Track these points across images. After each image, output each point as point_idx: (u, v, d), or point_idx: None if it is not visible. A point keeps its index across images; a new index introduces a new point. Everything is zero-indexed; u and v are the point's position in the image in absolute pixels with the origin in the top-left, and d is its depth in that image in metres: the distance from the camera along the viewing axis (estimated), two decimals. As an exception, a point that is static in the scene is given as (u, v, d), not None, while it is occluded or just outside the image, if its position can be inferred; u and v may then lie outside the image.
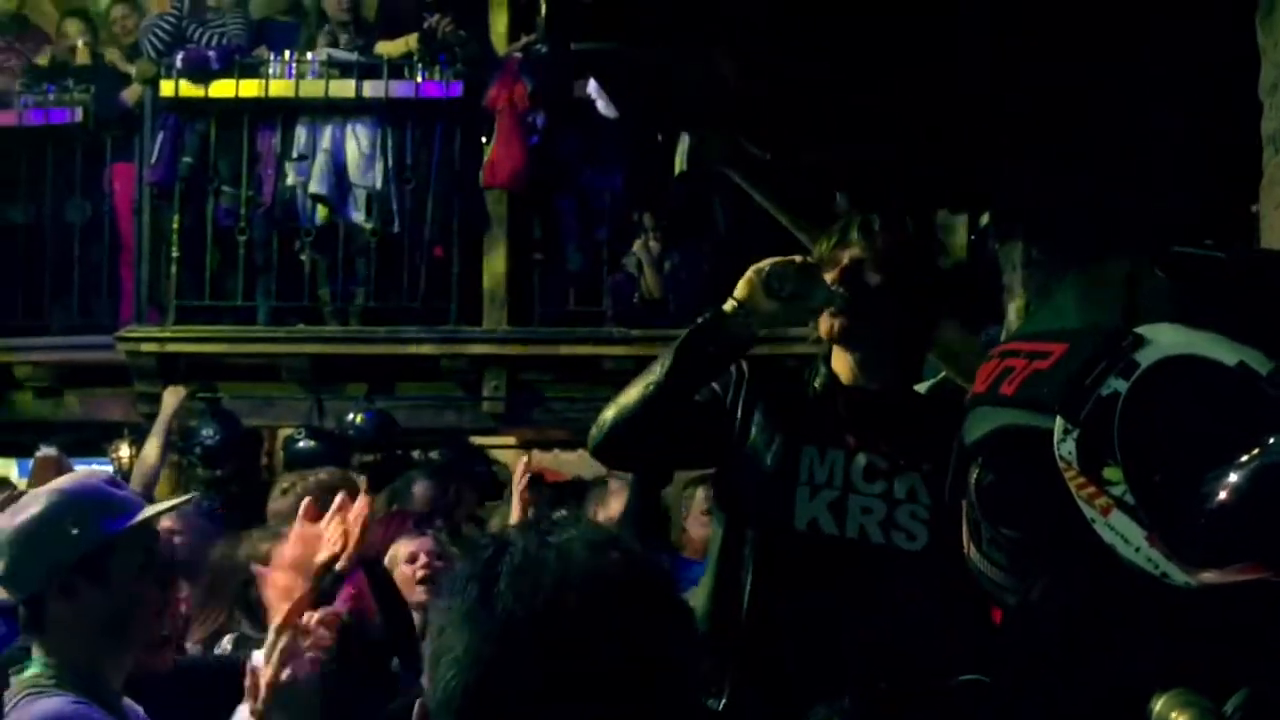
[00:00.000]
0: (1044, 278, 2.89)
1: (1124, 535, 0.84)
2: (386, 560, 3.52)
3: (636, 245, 6.75)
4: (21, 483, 6.17)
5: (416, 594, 3.47)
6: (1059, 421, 0.88)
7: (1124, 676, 0.83)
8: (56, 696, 1.96)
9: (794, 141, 3.35)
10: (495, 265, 6.83)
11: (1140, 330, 0.88)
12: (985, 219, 4.52)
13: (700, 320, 2.35)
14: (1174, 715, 0.79)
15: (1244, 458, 0.82)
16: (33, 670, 2.01)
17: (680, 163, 6.54)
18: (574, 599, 0.84)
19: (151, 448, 5.71)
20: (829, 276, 2.40)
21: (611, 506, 4.52)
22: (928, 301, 2.46)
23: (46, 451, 5.21)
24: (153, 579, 2.14)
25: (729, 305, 2.34)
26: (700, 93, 3.17)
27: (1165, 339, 0.88)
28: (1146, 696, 0.80)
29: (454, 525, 4.74)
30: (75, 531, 2.03)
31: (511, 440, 8.03)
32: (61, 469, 4.72)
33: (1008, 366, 0.93)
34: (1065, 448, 0.87)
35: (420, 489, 4.93)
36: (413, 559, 3.54)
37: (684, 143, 6.59)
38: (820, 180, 3.94)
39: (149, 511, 2.11)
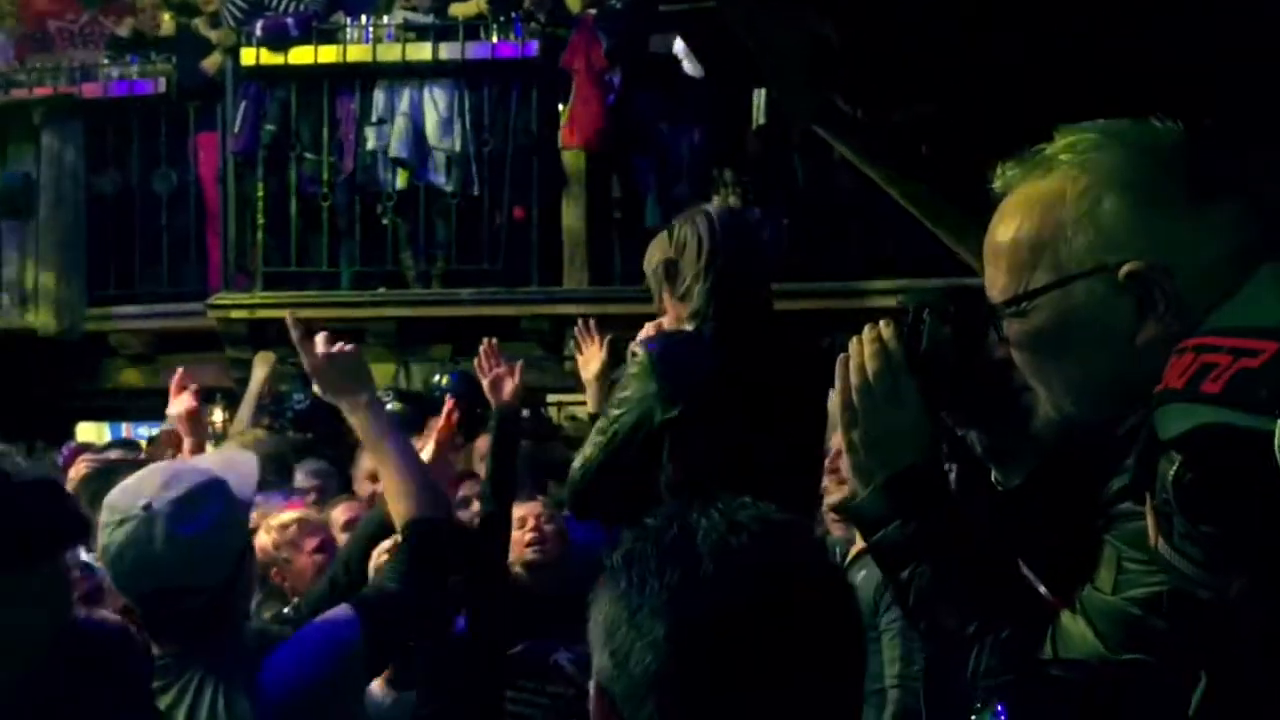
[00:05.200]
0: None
1: None
2: None
3: (715, 201, 6.71)
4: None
5: (525, 555, 3.56)
6: (1279, 425, 0.86)
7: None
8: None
9: (888, 98, 3.30)
10: (574, 225, 6.84)
11: None
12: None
13: None
14: None
15: None
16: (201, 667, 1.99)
17: (758, 116, 6.50)
18: (779, 587, 0.89)
19: (244, 413, 5.84)
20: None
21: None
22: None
23: (171, 427, 5.32)
24: None
25: None
26: (793, 51, 3.13)
27: None
28: None
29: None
30: (242, 513, 2.12)
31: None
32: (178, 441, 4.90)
33: (1207, 362, 0.91)
34: None
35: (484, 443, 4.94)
36: (522, 523, 3.60)
37: (761, 96, 6.53)
38: (911, 135, 3.89)
39: (254, 480, 2.18)
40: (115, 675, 1.59)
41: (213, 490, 2.05)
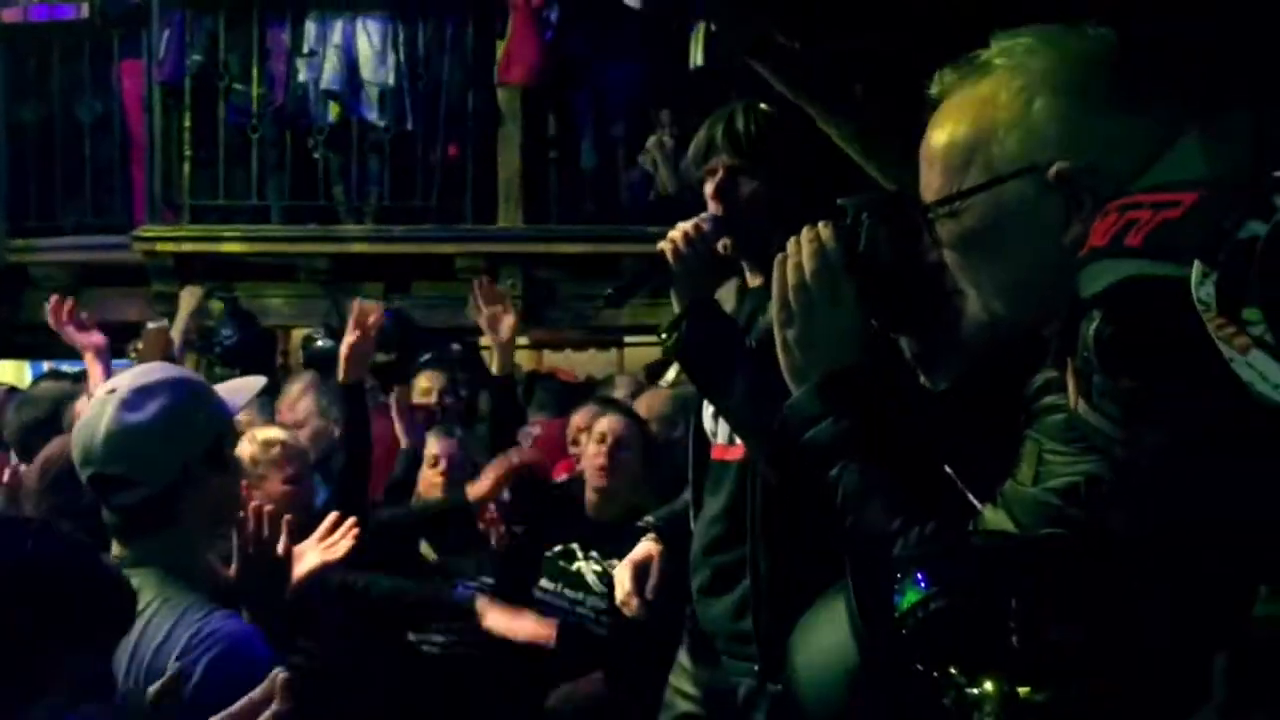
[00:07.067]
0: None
1: (1262, 372, 0.86)
2: None
3: (652, 141, 6.69)
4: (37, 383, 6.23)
5: (435, 491, 3.68)
6: (1196, 265, 0.88)
7: (1246, 517, 0.85)
8: (234, 618, 1.90)
9: (827, 30, 3.31)
10: (510, 163, 6.78)
11: (1278, 174, 0.89)
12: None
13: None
14: None
15: None
16: (145, 582, 1.88)
17: (696, 56, 6.48)
18: None
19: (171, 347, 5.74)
20: (706, 189, 2.27)
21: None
22: (819, 180, 2.19)
23: (159, 324, 5.18)
24: (237, 464, 2.19)
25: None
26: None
27: None
28: (1270, 537, 0.82)
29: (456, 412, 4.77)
30: (204, 419, 2.01)
31: (524, 340, 8.06)
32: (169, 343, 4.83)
33: (1130, 219, 0.94)
34: (1204, 290, 0.88)
35: (427, 378, 4.91)
36: (435, 461, 3.77)
37: (699, 35, 6.51)
38: (846, 70, 3.90)
39: (249, 395, 2.12)
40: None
41: (172, 386, 1.99)
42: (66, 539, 1.63)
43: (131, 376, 2.03)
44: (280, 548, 2.10)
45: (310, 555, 2.39)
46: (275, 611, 2.07)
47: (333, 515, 2.45)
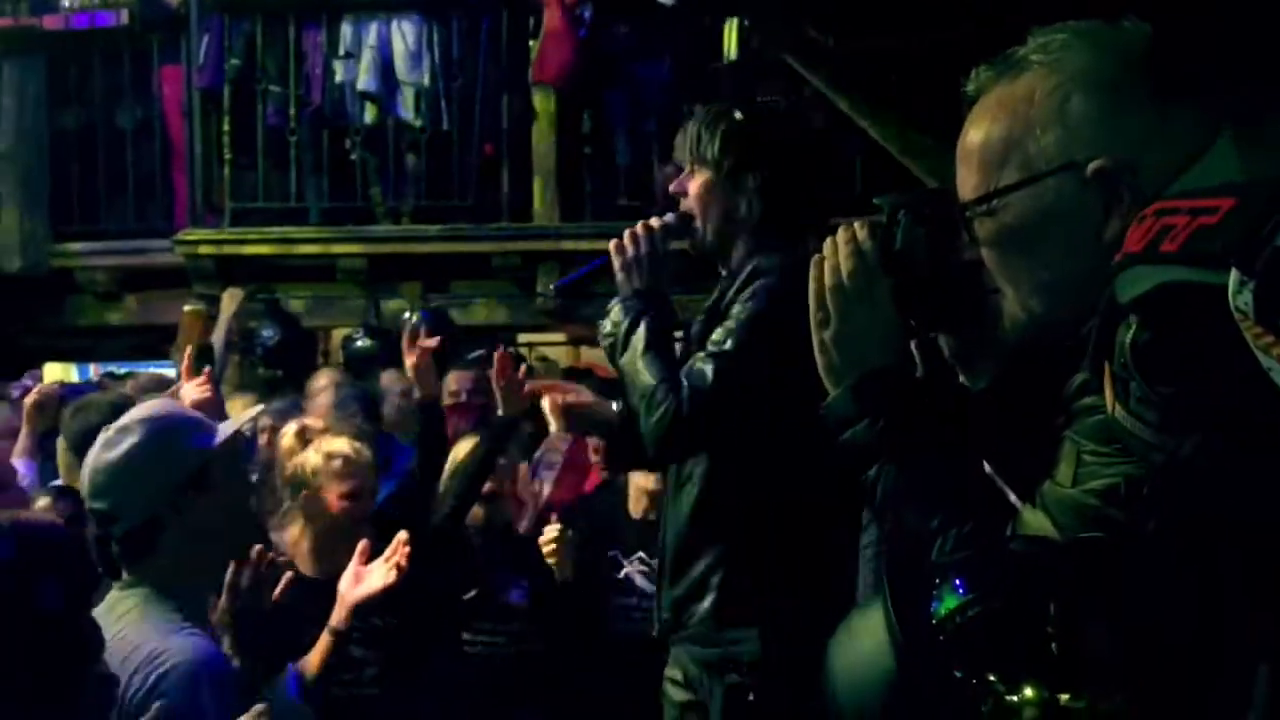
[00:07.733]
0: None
1: None
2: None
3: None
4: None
5: (451, 422, 3.91)
6: (1234, 273, 0.87)
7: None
8: (195, 636, 1.97)
9: (861, 26, 3.30)
10: (545, 160, 6.79)
11: None
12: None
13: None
14: None
15: None
16: (132, 601, 2.00)
17: (730, 49, 6.46)
18: None
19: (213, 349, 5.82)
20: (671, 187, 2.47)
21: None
22: (758, 173, 2.38)
23: (195, 306, 5.24)
24: (250, 486, 2.23)
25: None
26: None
27: None
28: None
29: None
30: (179, 451, 2.08)
31: (561, 336, 8.08)
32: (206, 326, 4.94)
33: (1166, 225, 0.93)
34: (1241, 299, 0.87)
35: (455, 379, 4.93)
36: (455, 394, 4.31)
37: (731, 30, 6.49)
38: (882, 65, 3.89)
39: (233, 427, 2.18)
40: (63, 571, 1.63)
41: (146, 424, 2.08)
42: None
43: (125, 415, 2.12)
44: (269, 601, 2.17)
45: (375, 575, 2.44)
46: (253, 655, 2.13)
47: (402, 535, 2.51)
